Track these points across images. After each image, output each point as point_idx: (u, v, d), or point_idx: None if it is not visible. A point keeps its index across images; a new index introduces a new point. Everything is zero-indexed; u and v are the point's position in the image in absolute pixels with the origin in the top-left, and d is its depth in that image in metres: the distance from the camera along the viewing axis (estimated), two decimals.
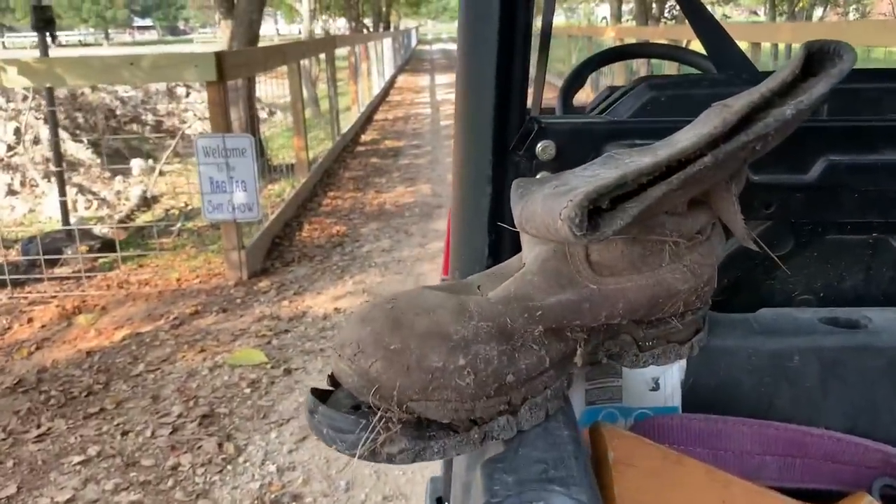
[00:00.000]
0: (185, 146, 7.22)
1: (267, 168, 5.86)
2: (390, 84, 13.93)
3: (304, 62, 7.12)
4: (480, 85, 0.60)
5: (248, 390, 2.69)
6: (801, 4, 7.26)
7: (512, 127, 0.61)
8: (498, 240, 0.63)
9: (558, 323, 0.47)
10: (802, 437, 0.57)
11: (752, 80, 0.74)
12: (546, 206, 0.43)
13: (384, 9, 20.80)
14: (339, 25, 17.47)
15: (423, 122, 9.65)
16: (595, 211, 0.41)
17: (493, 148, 0.61)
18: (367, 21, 19.31)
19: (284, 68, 5.41)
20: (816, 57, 0.42)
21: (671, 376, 0.57)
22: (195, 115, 8.86)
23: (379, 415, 0.42)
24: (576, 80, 1.46)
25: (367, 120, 9.42)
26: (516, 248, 0.63)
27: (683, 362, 0.56)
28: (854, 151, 0.63)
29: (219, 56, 3.48)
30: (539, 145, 0.63)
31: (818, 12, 7.48)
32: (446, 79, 16.03)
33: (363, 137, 8.39)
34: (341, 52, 9.03)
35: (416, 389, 0.42)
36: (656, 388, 0.57)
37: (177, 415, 2.53)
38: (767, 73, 0.85)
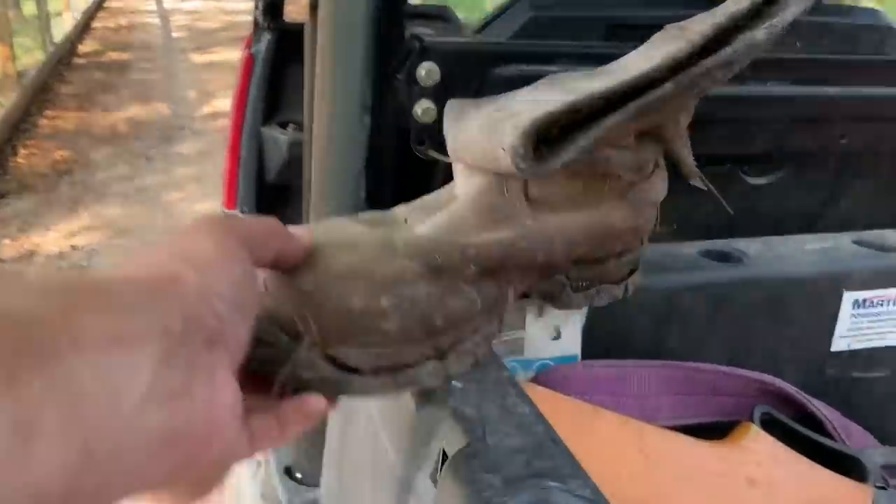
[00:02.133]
0: None
1: None
2: None
3: None
4: None
5: None
6: None
7: (390, 46, 0.52)
8: (378, 177, 0.55)
9: (492, 263, 0.42)
10: (693, 374, 0.57)
11: (625, 2, 0.71)
12: (486, 132, 0.38)
13: None
14: None
15: (153, 31, 8.78)
16: (543, 141, 0.38)
17: (369, 71, 0.52)
18: None
19: None
20: None
21: (573, 324, 0.54)
22: None
23: (298, 347, 0.37)
24: None
25: (84, 28, 8.34)
26: (400, 188, 0.56)
27: (585, 309, 0.53)
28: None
29: None
30: (422, 68, 0.55)
31: None
32: None
33: (81, 48, 7.43)
34: None
35: (335, 334, 0.37)
36: (558, 336, 0.53)
37: None
38: None
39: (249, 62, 1.38)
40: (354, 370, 0.38)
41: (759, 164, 0.71)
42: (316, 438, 0.64)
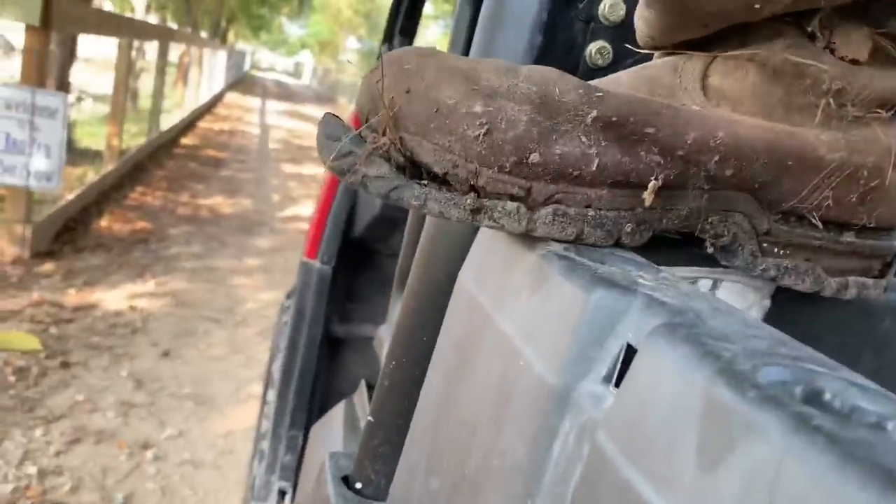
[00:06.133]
0: None
1: (70, 150, 5.24)
2: (219, 98, 13.30)
3: (133, 51, 6.50)
4: None
5: (12, 378, 2.25)
6: None
7: None
8: None
9: (622, 118, 0.35)
10: None
11: None
12: None
13: (223, 24, 20.07)
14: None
15: (251, 139, 9.24)
16: None
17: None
18: (203, 34, 18.45)
19: (106, 54, 4.91)
20: None
21: (750, 314, 0.43)
22: None
23: (369, 130, 0.36)
24: None
25: (190, 125, 8.84)
26: None
27: (767, 304, 0.43)
28: None
29: (46, 1, 3.04)
30: (605, 3, 0.48)
31: None
32: (279, 106, 15.62)
33: (183, 141, 7.84)
34: (173, 55, 8.46)
35: (416, 121, 0.36)
36: None
37: None
38: None
39: (356, 123, 1.37)
40: (419, 171, 0.36)
41: None
42: (389, 439, 0.53)
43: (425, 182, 0.36)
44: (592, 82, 0.38)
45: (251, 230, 4.75)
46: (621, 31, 0.48)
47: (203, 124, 9.55)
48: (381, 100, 0.35)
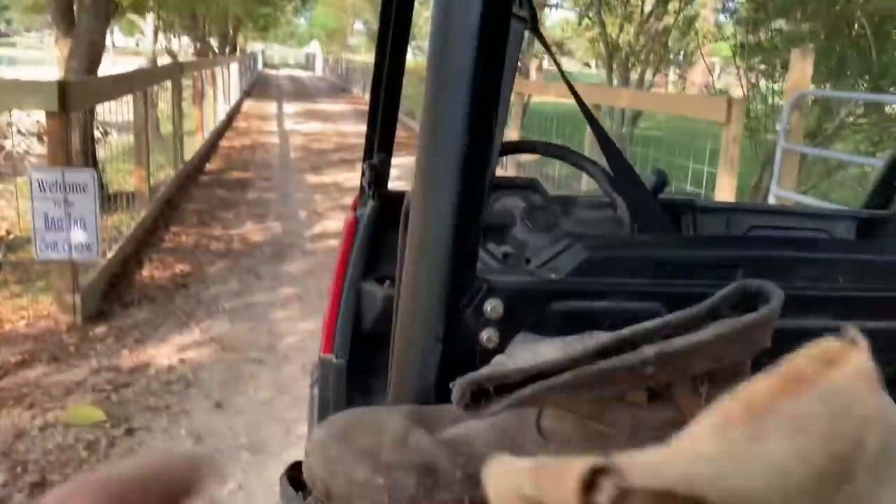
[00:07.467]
0: (6, 165, 6.64)
1: (104, 198, 5.50)
2: (236, 110, 13.54)
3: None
4: (433, 244, 0.60)
5: (85, 453, 2.49)
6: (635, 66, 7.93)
7: (462, 286, 0.62)
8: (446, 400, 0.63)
9: (478, 474, 0.50)
10: None
11: (671, 243, 0.79)
12: None
13: (231, 31, 20.28)
14: (183, 44, 16.84)
15: (272, 151, 9.46)
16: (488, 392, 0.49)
17: (445, 307, 0.61)
18: (213, 41, 18.69)
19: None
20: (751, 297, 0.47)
21: None
22: (20, 131, 8.16)
23: (313, 499, 0.54)
24: None
25: (211, 147, 9.09)
26: None
27: None
28: None
29: (62, 85, 3.24)
30: (487, 304, 0.64)
31: (649, 76, 8.20)
32: (294, 107, 15.84)
33: (208, 166, 8.08)
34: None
35: (341, 494, 0.52)
36: None
37: (1, 483, 2.29)
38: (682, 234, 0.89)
39: (354, 223, 1.53)
40: None
41: None
42: None
43: None
44: (456, 435, 0.53)
45: (282, 256, 4.96)
46: (504, 322, 0.64)
47: (224, 143, 9.79)
48: (315, 477, 0.52)
